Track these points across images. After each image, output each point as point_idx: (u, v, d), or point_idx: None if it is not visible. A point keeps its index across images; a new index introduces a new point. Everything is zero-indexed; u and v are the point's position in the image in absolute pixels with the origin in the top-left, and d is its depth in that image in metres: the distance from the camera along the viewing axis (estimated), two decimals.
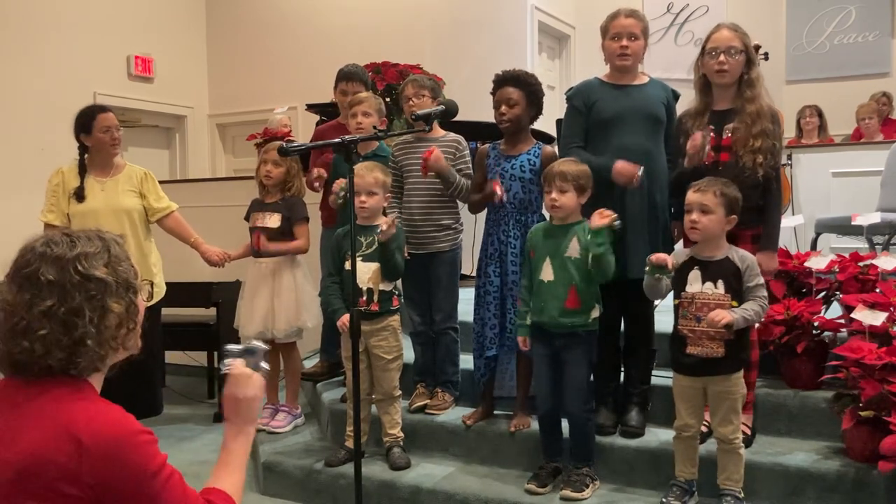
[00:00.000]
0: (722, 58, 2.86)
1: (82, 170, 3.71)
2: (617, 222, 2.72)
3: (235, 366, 1.56)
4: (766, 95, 2.93)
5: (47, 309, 1.31)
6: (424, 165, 3.22)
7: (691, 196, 2.65)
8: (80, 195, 3.66)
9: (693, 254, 2.70)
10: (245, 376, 1.56)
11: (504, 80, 3.18)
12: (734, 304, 2.57)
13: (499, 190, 3.08)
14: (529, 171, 3.17)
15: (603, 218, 2.71)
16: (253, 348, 1.59)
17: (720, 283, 2.60)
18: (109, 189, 3.70)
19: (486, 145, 3.35)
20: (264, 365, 1.60)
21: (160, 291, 3.82)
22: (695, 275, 2.65)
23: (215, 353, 4.77)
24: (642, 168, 2.91)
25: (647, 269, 2.67)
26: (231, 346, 1.60)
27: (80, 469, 1.24)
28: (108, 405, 1.34)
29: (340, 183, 3.31)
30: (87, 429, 1.26)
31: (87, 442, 1.24)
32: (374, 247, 3.11)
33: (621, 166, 2.92)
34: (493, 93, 3.21)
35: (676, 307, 2.68)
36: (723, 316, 2.50)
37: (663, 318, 3.03)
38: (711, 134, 2.87)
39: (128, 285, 1.40)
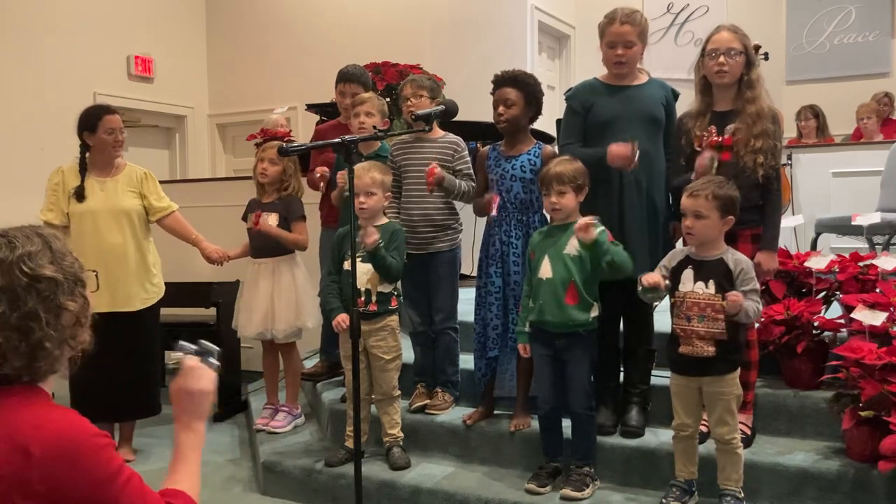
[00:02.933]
0: (722, 59, 2.86)
1: (83, 168, 3.70)
2: (599, 228, 2.71)
3: (188, 359, 1.51)
4: (767, 96, 2.93)
5: None
6: (430, 182, 3.21)
7: (685, 201, 2.65)
8: (80, 195, 3.65)
9: (689, 253, 2.70)
10: (198, 369, 1.50)
11: (503, 81, 3.18)
12: (724, 305, 2.57)
13: (494, 209, 3.12)
14: (530, 171, 3.17)
15: (585, 232, 2.71)
16: (207, 349, 1.54)
17: (711, 284, 2.59)
18: (109, 189, 3.69)
19: (487, 147, 3.35)
20: (215, 361, 1.54)
21: (159, 292, 3.82)
22: (688, 274, 2.64)
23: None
24: (636, 143, 2.88)
25: (639, 288, 2.66)
26: (183, 343, 1.54)
27: (31, 479, 1.18)
28: (60, 410, 1.27)
29: (344, 174, 3.32)
30: (35, 437, 1.20)
31: (36, 451, 1.19)
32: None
33: (615, 149, 2.89)
34: (493, 93, 3.21)
35: (672, 306, 2.68)
36: (737, 300, 2.48)
37: (663, 317, 3.04)
38: (713, 128, 2.85)
39: (76, 280, 1.33)
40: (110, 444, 1.27)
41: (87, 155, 3.71)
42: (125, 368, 3.61)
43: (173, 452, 1.48)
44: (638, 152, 2.87)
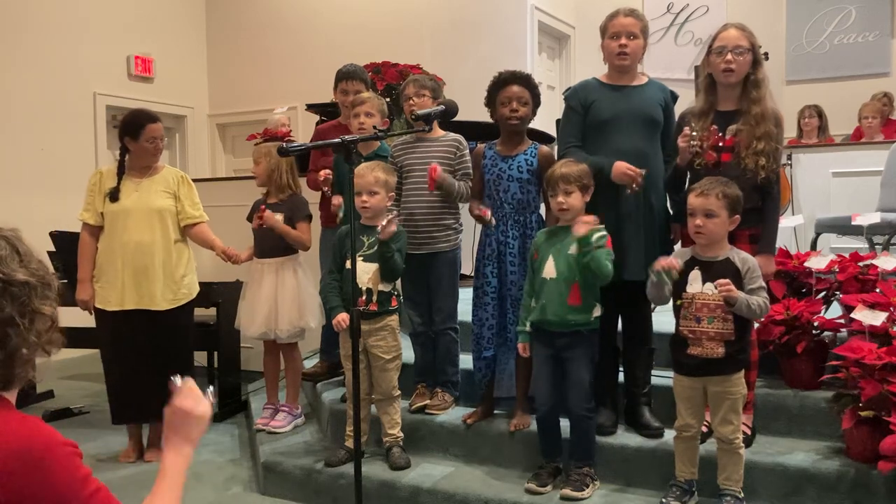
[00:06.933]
0: (729, 56, 2.85)
1: (121, 171, 3.74)
2: (600, 233, 2.72)
3: (188, 380, 1.47)
4: (771, 98, 2.92)
5: None
6: (431, 185, 3.22)
7: (694, 200, 2.64)
8: (114, 195, 3.69)
9: (694, 254, 2.70)
10: (199, 392, 1.46)
11: (515, 79, 3.17)
12: (725, 298, 2.56)
13: (489, 216, 3.13)
14: (527, 171, 3.17)
15: (582, 226, 2.71)
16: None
17: None
18: (144, 189, 3.73)
19: (482, 145, 3.35)
20: (210, 396, 1.52)
21: (189, 294, 3.82)
22: (695, 275, 2.64)
23: (216, 354, 4.77)
24: (645, 171, 2.90)
25: (652, 277, 2.64)
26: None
27: None
28: (22, 418, 1.21)
29: (339, 202, 3.35)
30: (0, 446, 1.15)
31: None
32: (376, 247, 3.11)
33: (623, 167, 2.91)
34: (498, 90, 3.19)
35: (678, 308, 2.67)
36: (730, 288, 2.50)
37: (661, 318, 3.04)
38: (715, 128, 2.85)
39: (46, 282, 1.27)
40: (76, 454, 1.22)
41: (126, 158, 3.75)
42: (155, 368, 3.58)
43: (158, 472, 1.42)
44: (642, 182, 2.89)
